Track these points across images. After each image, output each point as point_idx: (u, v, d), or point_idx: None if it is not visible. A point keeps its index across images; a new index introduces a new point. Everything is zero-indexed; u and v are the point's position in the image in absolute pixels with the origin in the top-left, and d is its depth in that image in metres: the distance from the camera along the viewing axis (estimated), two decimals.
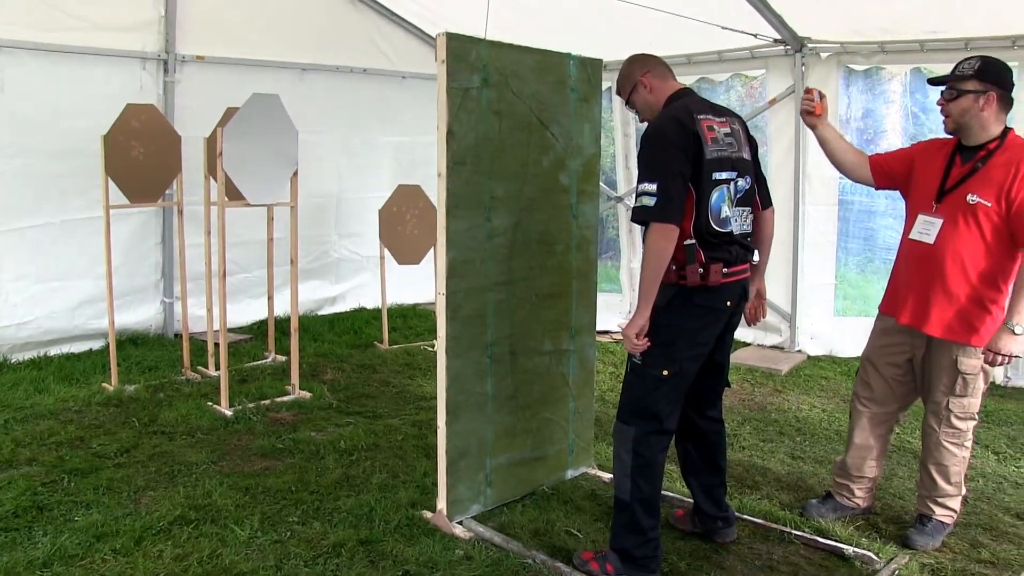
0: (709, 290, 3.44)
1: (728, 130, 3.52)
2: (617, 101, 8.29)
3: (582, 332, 4.58)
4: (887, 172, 4.13)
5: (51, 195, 6.66)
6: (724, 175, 3.45)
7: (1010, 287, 3.73)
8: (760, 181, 3.75)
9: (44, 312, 6.74)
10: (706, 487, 3.92)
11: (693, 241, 3.40)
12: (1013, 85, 3.77)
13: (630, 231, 8.73)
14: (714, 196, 3.42)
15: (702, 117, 3.43)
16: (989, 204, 3.68)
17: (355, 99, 8.47)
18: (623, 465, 3.55)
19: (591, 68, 4.47)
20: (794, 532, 4.01)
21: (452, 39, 3.78)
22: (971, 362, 3.84)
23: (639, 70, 3.68)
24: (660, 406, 3.51)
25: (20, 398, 5.74)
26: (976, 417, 3.98)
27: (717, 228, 3.44)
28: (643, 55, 3.75)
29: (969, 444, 4.00)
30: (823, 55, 6.88)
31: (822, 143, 4.23)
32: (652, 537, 3.55)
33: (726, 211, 3.47)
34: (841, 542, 3.91)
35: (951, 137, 3.91)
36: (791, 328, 7.35)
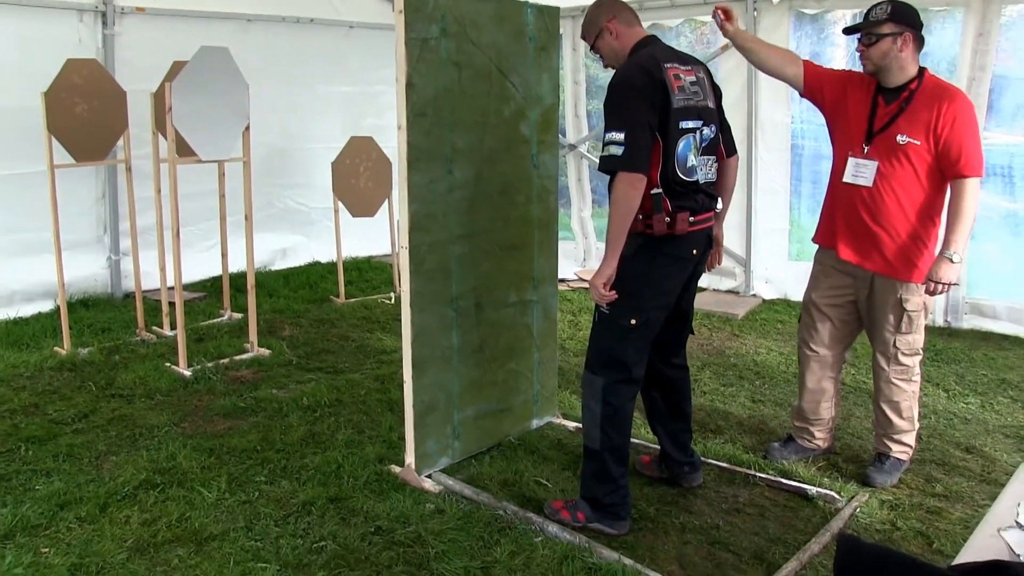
0: (675, 239, 3.45)
1: (694, 78, 3.50)
2: (567, 49, 8.22)
3: (544, 282, 4.58)
4: (818, 84, 4.10)
5: None
6: (690, 124, 3.44)
7: (942, 220, 3.86)
8: (724, 129, 3.75)
9: None
10: (672, 433, 3.97)
11: (659, 190, 3.40)
12: (922, 25, 3.87)
13: (579, 179, 8.72)
14: (680, 145, 3.40)
15: (668, 65, 3.41)
16: (919, 143, 3.78)
17: (301, 50, 8.28)
18: (592, 415, 3.58)
19: (548, 16, 4.42)
20: (759, 475, 4.10)
21: None
22: (915, 299, 3.95)
23: (605, 16, 3.64)
24: (628, 355, 3.54)
25: None
26: (921, 352, 4.09)
27: (684, 177, 3.43)
28: (608, 2, 3.70)
29: (917, 379, 4.11)
30: (775, 1, 6.87)
31: (745, 52, 4.20)
32: (622, 485, 3.60)
33: (692, 160, 3.46)
34: (804, 483, 4.01)
35: (872, 77, 3.96)
36: (746, 272, 7.43)
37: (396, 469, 4.10)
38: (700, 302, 7.14)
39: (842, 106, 4.05)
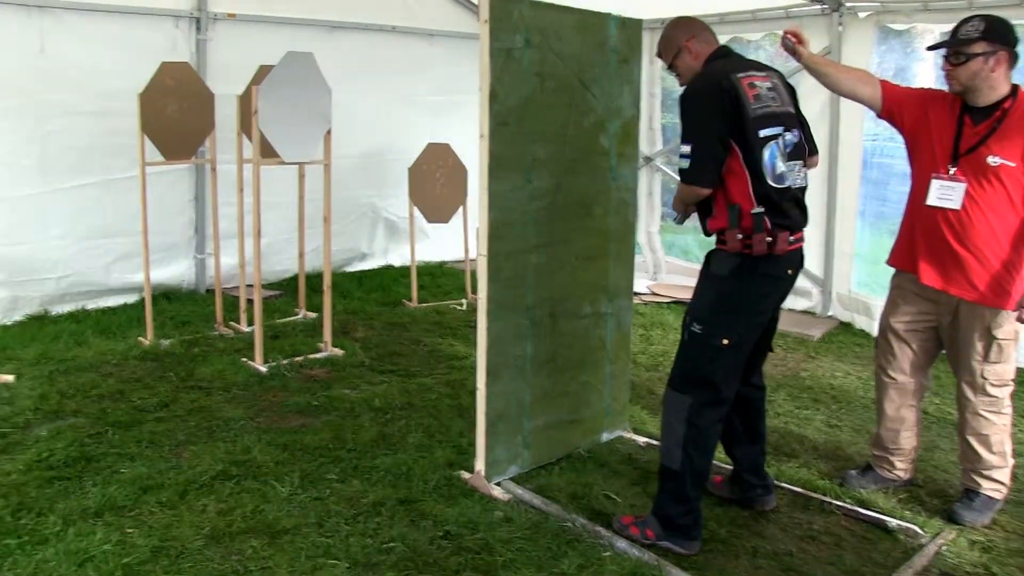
0: (773, 259, 3.43)
1: (770, 84, 3.48)
2: (644, 61, 8.19)
3: (619, 295, 4.59)
4: (896, 105, 3.97)
5: (91, 154, 6.72)
6: (771, 131, 3.41)
7: None
8: (804, 128, 3.68)
9: (83, 267, 6.84)
10: (746, 454, 3.92)
11: (761, 210, 3.37)
12: (1018, 41, 3.69)
13: (650, 193, 8.71)
14: (766, 153, 3.38)
15: (742, 75, 3.40)
16: (1013, 164, 3.64)
17: (383, 57, 8.43)
18: (675, 435, 3.52)
19: (631, 28, 4.45)
20: (835, 502, 3.99)
21: None
22: (1006, 327, 3.78)
23: (684, 35, 3.65)
24: (718, 375, 3.49)
25: (62, 350, 5.84)
26: (1012, 383, 3.90)
27: (776, 184, 3.40)
28: (687, 19, 3.73)
29: (1009, 411, 3.91)
30: (861, 15, 6.77)
31: (819, 76, 4.07)
32: (696, 507, 3.55)
33: (780, 166, 3.42)
34: (884, 514, 3.88)
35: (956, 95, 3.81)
36: (823, 293, 7.33)
37: (465, 475, 4.14)
38: None
39: (923, 126, 3.90)
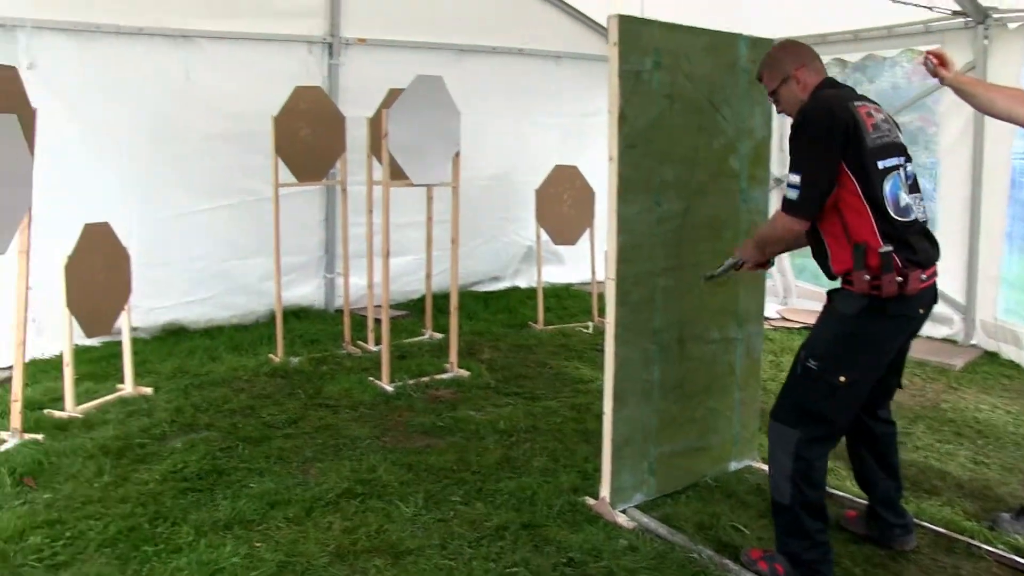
0: (905, 298, 3.22)
1: (883, 115, 3.33)
2: None
3: (749, 320, 4.47)
4: None
5: (227, 176, 7.02)
6: (892, 161, 3.24)
7: None
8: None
9: (219, 286, 7.12)
10: (882, 491, 3.72)
11: (888, 248, 3.15)
12: None
13: None
14: (887, 185, 3.20)
15: (859, 104, 3.26)
16: None
17: (510, 79, 8.51)
18: (782, 468, 3.38)
19: (762, 48, 4.30)
20: (985, 547, 3.71)
21: (624, 21, 3.70)
22: None
23: (793, 63, 3.46)
24: (832, 411, 3.34)
25: (196, 365, 6.08)
26: None
27: (899, 217, 3.20)
28: (795, 45, 3.55)
29: None
30: (1011, 26, 6.42)
31: (968, 97, 3.69)
32: (820, 541, 3.38)
33: (904, 198, 3.24)
34: None
35: None
36: (965, 321, 6.98)
37: (590, 501, 4.07)
38: (912, 349, 6.72)
39: None
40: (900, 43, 7.37)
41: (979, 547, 3.72)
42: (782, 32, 7.64)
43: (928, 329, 7.15)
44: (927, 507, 4.11)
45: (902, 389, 3.87)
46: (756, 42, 4.28)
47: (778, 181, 8.27)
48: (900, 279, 3.16)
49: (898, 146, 3.30)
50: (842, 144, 3.18)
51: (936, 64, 3.60)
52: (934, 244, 3.38)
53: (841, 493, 4.17)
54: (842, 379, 3.26)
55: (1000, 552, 3.67)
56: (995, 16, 6.43)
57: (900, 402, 5.39)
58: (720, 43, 4.14)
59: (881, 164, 3.20)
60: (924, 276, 3.24)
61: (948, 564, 3.64)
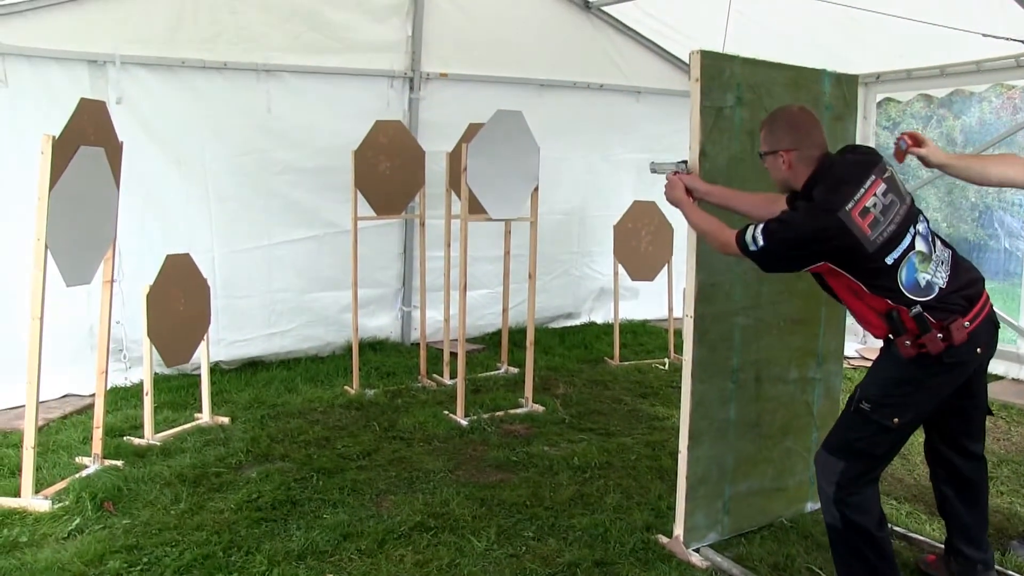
0: (955, 348, 3.12)
1: (884, 188, 3.16)
2: (858, 117, 7.88)
3: (828, 359, 4.37)
4: None
5: (311, 209, 7.13)
6: (903, 247, 3.14)
7: None
8: None
9: (301, 321, 7.24)
10: (965, 527, 3.60)
11: (919, 309, 3.10)
12: None
13: None
14: (903, 274, 3.13)
15: (851, 205, 3.09)
16: None
17: (590, 115, 8.50)
18: (826, 495, 3.33)
19: (846, 85, 4.27)
20: None
21: (706, 57, 3.69)
22: None
23: (787, 142, 3.35)
24: (877, 451, 3.28)
25: (273, 396, 6.16)
26: None
27: (923, 299, 3.12)
28: (798, 123, 3.37)
29: None
30: None
31: (958, 171, 3.57)
32: (882, 569, 3.26)
33: (924, 277, 3.15)
34: None
35: None
36: None
37: (663, 539, 4.01)
38: (996, 391, 6.51)
39: None
40: (989, 78, 7.21)
41: None
42: (868, 67, 7.58)
43: (1014, 370, 6.93)
44: (1013, 557, 3.95)
45: (992, 415, 3.78)
46: (840, 78, 4.22)
47: None
48: (941, 334, 3.08)
49: (906, 219, 3.17)
50: (823, 252, 3.16)
51: (910, 145, 3.45)
52: (974, 280, 3.26)
53: (920, 537, 4.04)
54: (895, 420, 3.21)
55: None
56: None
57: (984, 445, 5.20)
58: (803, 79, 4.08)
59: (890, 259, 3.12)
60: (967, 322, 3.12)
61: None
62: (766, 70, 3.93)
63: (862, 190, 3.12)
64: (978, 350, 3.19)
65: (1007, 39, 6.10)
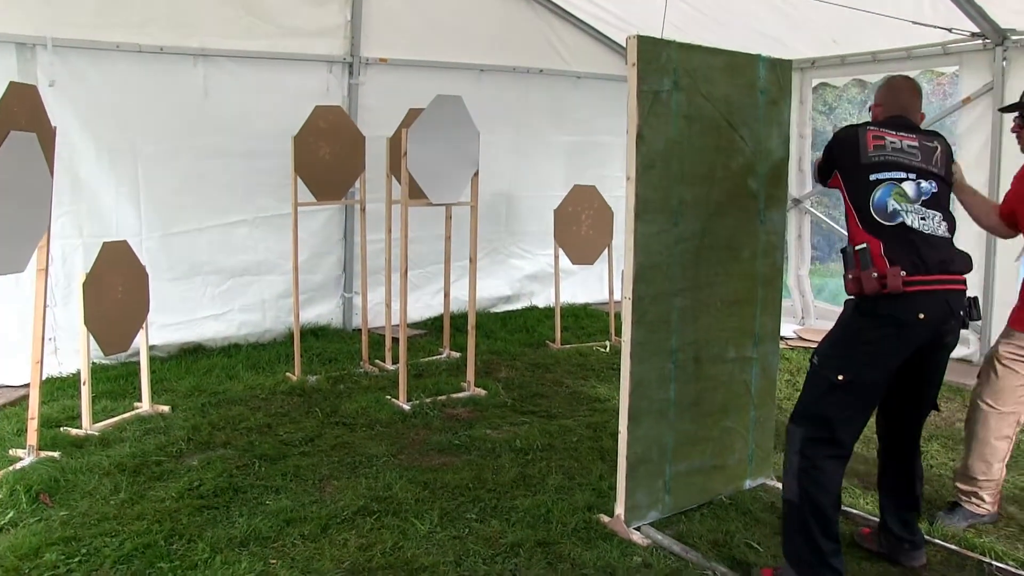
0: (892, 299, 3.31)
1: (912, 143, 3.56)
2: (795, 102, 8.03)
3: (766, 340, 4.46)
4: (1010, 216, 4.06)
5: (246, 193, 7.07)
6: (888, 175, 3.48)
7: None
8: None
9: (238, 305, 7.17)
10: (897, 507, 3.76)
11: (864, 245, 3.40)
12: None
13: (799, 236, 8.49)
14: (877, 193, 3.45)
15: (873, 128, 3.60)
16: None
17: (529, 99, 8.55)
18: (790, 466, 3.47)
19: (781, 70, 4.34)
20: (995, 564, 3.73)
21: (643, 42, 3.73)
22: None
23: (879, 98, 3.87)
24: (831, 412, 3.40)
25: (214, 383, 6.12)
26: None
27: (883, 220, 3.41)
28: (897, 86, 3.87)
29: None
30: None
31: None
32: (824, 548, 3.38)
33: (894, 205, 3.43)
34: None
35: None
36: (981, 341, 6.95)
37: (605, 519, 4.07)
38: None
39: None
40: (919, 64, 7.36)
41: (990, 564, 3.74)
42: (804, 53, 7.70)
43: None
44: (940, 525, 4.12)
45: (938, 412, 4.07)
46: (775, 63, 4.30)
47: (796, 201, 8.28)
48: (876, 275, 3.31)
49: (904, 166, 3.50)
50: (836, 158, 3.66)
51: None
52: (943, 256, 3.42)
53: (855, 511, 4.17)
54: (840, 378, 3.38)
55: (1011, 569, 3.70)
56: (1014, 38, 6.42)
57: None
58: (739, 64, 4.15)
59: (874, 176, 3.48)
60: (907, 276, 3.31)
61: None
62: (702, 55, 3.98)
63: (897, 130, 3.60)
64: (920, 315, 3.32)
65: (934, 27, 6.26)
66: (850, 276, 3.42)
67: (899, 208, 3.42)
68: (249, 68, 6.91)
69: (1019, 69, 6.46)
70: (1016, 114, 3.96)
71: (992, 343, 6.74)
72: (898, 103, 3.78)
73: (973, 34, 6.46)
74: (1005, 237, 4.20)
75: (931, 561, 3.77)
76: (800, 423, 3.46)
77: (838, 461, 3.44)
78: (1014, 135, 4.05)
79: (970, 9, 6.12)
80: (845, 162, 3.58)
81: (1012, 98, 6.39)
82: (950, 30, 6.36)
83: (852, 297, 3.47)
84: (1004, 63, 6.52)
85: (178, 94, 6.65)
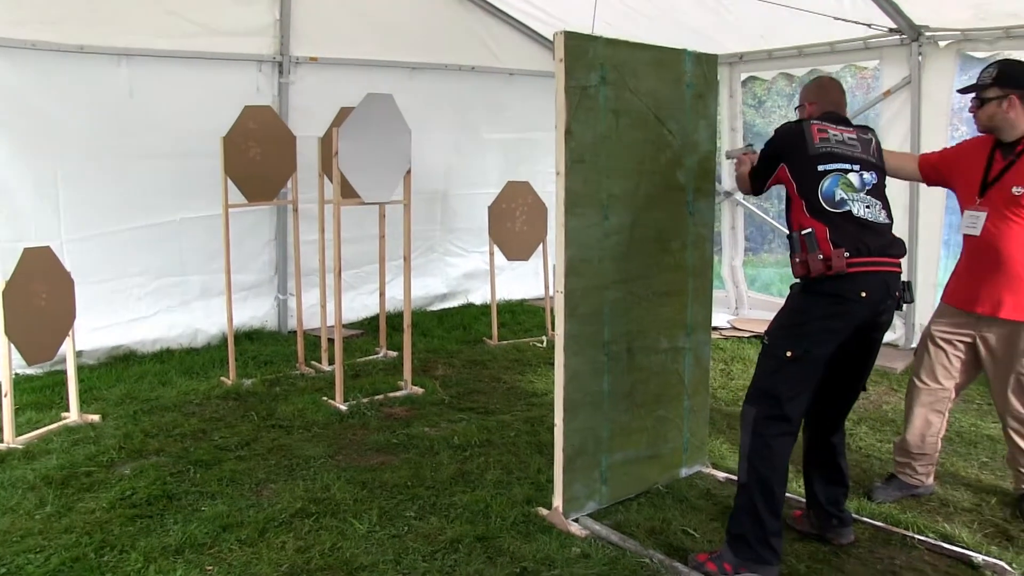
0: (838, 278, 3.48)
1: (852, 136, 3.74)
2: (724, 96, 8.16)
3: (698, 330, 4.53)
4: (935, 171, 4.36)
5: (173, 194, 6.95)
6: (834, 166, 3.63)
7: None
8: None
9: (165, 307, 7.03)
10: (826, 481, 3.88)
11: (810, 229, 3.55)
12: None
13: (733, 227, 8.63)
14: (825, 183, 3.60)
15: (816, 123, 3.73)
16: None
17: (463, 97, 8.56)
18: (743, 447, 3.59)
19: (707, 64, 4.41)
20: (918, 537, 3.89)
21: (570, 38, 3.76)
22: None
23: (811, 96, 4.01)
24: (780, 388, 3.54)
25: (146, 390, 6.00)
26: None
27: (830, 208, 3.56)
28: (824, 86, 4.03)
29: None
30: (941, 43, 6.62)
31: None
32: (769, 529, 3.48)
33: (841, 194, 3.59)
34: (969, 549, 3.77)
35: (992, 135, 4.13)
36: (906, 325, 7.13)
37: (543, 511, 4.10)
38: None
39: (959, 172, 4.24)
40: (842, 59, 7.56)
41: (913, 537, 3.90)
42: (732, 48, 7.82)
43: None
44: (867, 504, 4.28)
45: (866, 392, 4.13)
46: (700, 57, 4.36)
47: (728, 194, 8.40)
48: (821, 256, 3.48)
49: (847, 157, 3.67)
50: (783, 152, 3.75)
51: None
52: (883, 241, 3.61)
53: (789, 495, 4.23)
54: (788, 354, 3.53)
55: (931, 540, 3.88)
56: (927, 34, 6.62)
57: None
58: (665, 59, 4.21)
59: (821, 167, 3.62)
60: (851, 257, 3.49)
61: (885, 555, 3.79)
62: (629, 50, 4.03)
63: (837, 124, 3.77)
64: (862, 294, 3.50)
65: (854, 23, 6.41)
66: (797, 259, 3.55)
67: (846, 197, 3.59)
68: (176, 68, 6.80)
69: (934, 63, 6.67)
70: (973, 95, 4.11)
71: (919, 326, 7.00)
72: (830, 100, 3.95)
73: (891, 30, 6.64)
74: (915, 179, 4.51)
75: (859, 539, 3.89)
76: (753, 402, 3.60)
77: (788, 438, 3.56)
78: (971, 114, 4.19)
79: (887, 6, 6.30)
80: (792, 155, 3.71)
81: (929, 91, 6.67)
82: (869, 26, 6.53)
83: (798, 280, 3.62)
84: (920, 58, 6.71)
85: (101, 94, 6.52)
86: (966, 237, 4.15)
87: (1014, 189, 3.93)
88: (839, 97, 3.99)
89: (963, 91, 4.29)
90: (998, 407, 4.22)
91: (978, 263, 4.09)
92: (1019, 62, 4.32)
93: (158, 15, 6.66)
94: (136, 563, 3.63)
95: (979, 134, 4.22)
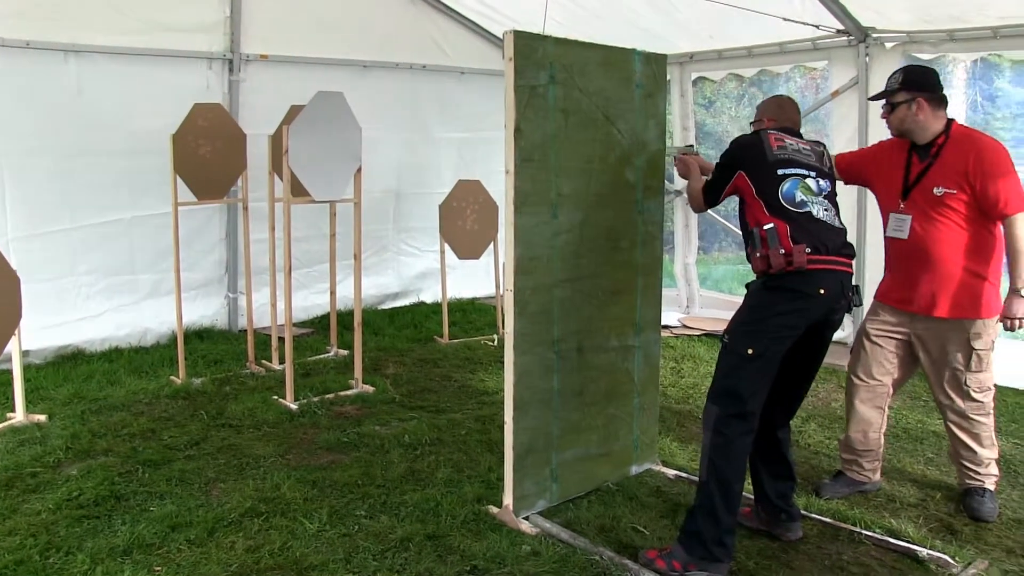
0: (798, 275, 3.55)
1: (807, 147, 3.89)
2: (675, 95, 8.25)
3: (647, 328, 4.58)
4: (852, 170, 4.52)
5: (122, 192, 6.87)
6: (792, 171, 3.75)
7: (999, 257, 4.07)
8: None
9: (114, 305, 6.93)
10: (773, 475, 3.94)
11: (772, 225, 3.61)
12: (938, 84, 4.15)
13: (686, 226, 8.71)
14: (785, 185, 3.70)
15: (772, 133, 3.88)
16: (954, 191, 4.01)
17: (414, 95, 8.56)
18: (704, 446, 3.63)
19: (656, 63, 4.46)
20: (864, 532, 3.96)
21: (519, 37, 3.78)
22: (984, 338, 4.09)
23: (770, 113, 4.17)
24: (742, 386, 3.57)
25: (94, 390, 5.92)
26: (993, 388, 4.21)
27: (792, 208, 3.66)
28: (780, 104, 4.21)
29: (992, 411, 4.23)
30: (888, 45, 6.75)
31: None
32: (723, 528, 3.53)
33: (801, 196, 3.70)
34: (914, 543, 3.84)
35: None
36: (854, 323, 7.25)
37: (494, 510, 4.12)
38: None
39: (878, 174, 4.38)
40: (791, 59, 7.67)
41: (860, 533, 3.98)
42: (682, 48, 7.90)
43: None
44: (815, 500, 4.35)
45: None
46: (650, 57, 4.40)
47: (678, 193, 8.48)
48: (784, 251, 3.55)
49: (804, 164, 3.80)
50: (741, 160, 3.85)
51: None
52: (842, 241, 3.71)
53: None
54: (749, 351, 3.56)
55: (877, 535, 3.95)
56: (874, 36, 6.74)
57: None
58: (614, 58, 4.24)
59: (781, 171, 3.74)
60: (811, 254, 3.56)
61: (832, 551, 3.85)
62: (579, 50, 4.06)
63: (792, 137, 3.92)
64: (821, 290, 3.57)
65: (803, 23, 6.51)
66: (758, 255, 3.61)
67: (806, 199, 3.70)
68: (125, 65, 6.72)
69: (881, 64, 6.77)
70: (884, 101, 4.21)
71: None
72: (787, 117, 4.13)
73: (839, 31, 6.75)
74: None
75: (808, 535, 3.95)
76: (715, 401, 3.63)
77: (748, 437, 3.61)
78: (884, 120, 4.29)
79: (835, 8, 6.40)
80: (751, 162, 3.80)
81: (877, 90, 6.75)
82: (818, 27, 6.63)
83: (757, 278, 3.70)
84: (867, 59, 6.83)
85: (48, 91, 6.43)
86: (892, 240, 4.27)
87: (935, 190, 4.04)
88: (796, 116, 4.17)
89: (873, 98, 4.43)
90: (937, 402, 4.33)
91: (908, 265, 4.20)
92: (923, 66, 4.58)
93: (106, 11, 6.57)
94: (83, 565, 3.58)
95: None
